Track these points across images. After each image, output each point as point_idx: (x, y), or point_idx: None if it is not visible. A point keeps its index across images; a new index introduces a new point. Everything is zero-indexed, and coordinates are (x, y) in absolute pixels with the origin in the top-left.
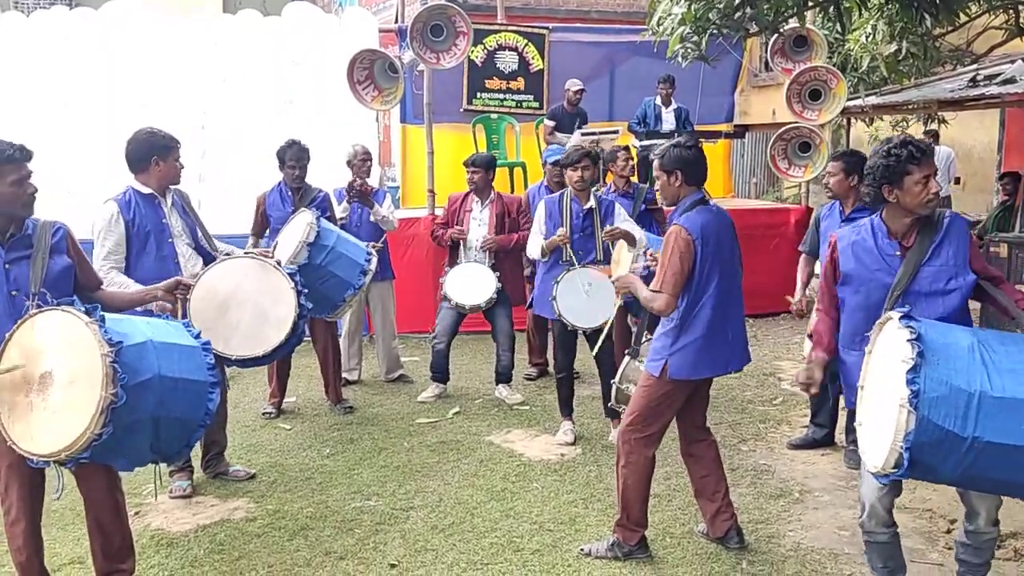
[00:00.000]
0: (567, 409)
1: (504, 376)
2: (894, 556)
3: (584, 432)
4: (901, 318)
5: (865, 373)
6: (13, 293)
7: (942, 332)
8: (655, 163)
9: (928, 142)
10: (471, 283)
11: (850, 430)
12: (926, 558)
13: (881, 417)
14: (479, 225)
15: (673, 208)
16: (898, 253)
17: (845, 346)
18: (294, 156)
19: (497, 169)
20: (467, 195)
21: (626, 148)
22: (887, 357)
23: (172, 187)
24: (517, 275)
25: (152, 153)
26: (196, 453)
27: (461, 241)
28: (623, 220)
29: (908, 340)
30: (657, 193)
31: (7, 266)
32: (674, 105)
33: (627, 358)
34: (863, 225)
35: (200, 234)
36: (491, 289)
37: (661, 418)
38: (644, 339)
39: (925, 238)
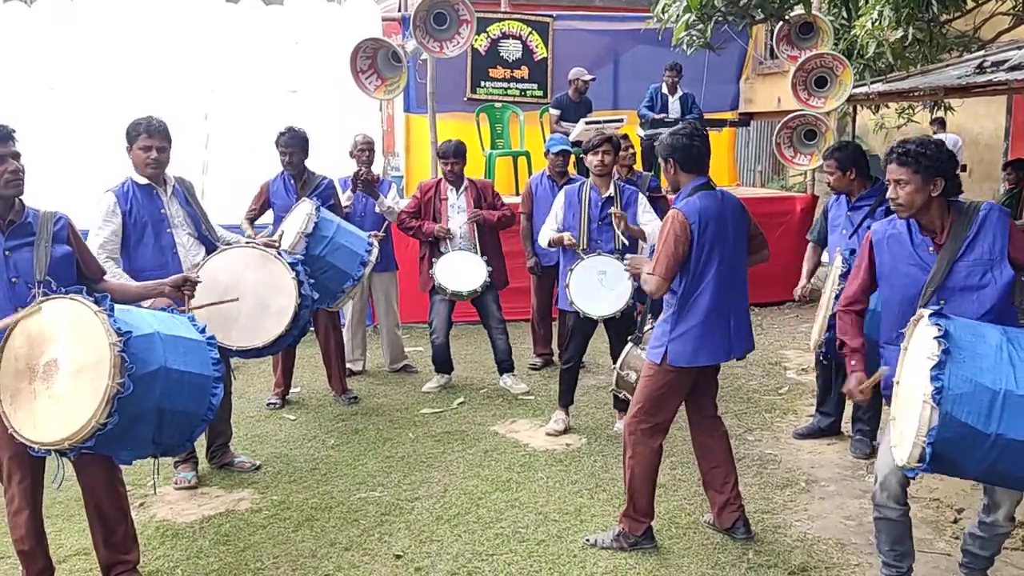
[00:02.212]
0: (566, 399)
1: (506, 364)
2: (903, 540)
3: (589, 422)
4: (931, 315)
5: (900, 369)
6: (13, 280)
7: (971, 330)
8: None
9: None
10: (462, 270)
11: (857, 419)
12: (933, 547)
13: (910, 412)
14: (458, 212)
15: (675, 194)
16: (931, 249)
17: (885, 340)
18: (284, 143)
19: (501, 158)
20: (438, 183)
21: (625, 136)
22: (919, 354)
23: (173, 176)
24: (499, 257)
25: (126, 141)
26: (201, 444)
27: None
28: (644, 210)
29: (935, 337)
30: (662, 180)
31: (7, 253)
32: (680, 92)
33: (629, 344)
34: (900, 219)
35: (203, 224)
36: (483, 273)
37: (666, 407)
38: (647, 326)
39: (959, 233)
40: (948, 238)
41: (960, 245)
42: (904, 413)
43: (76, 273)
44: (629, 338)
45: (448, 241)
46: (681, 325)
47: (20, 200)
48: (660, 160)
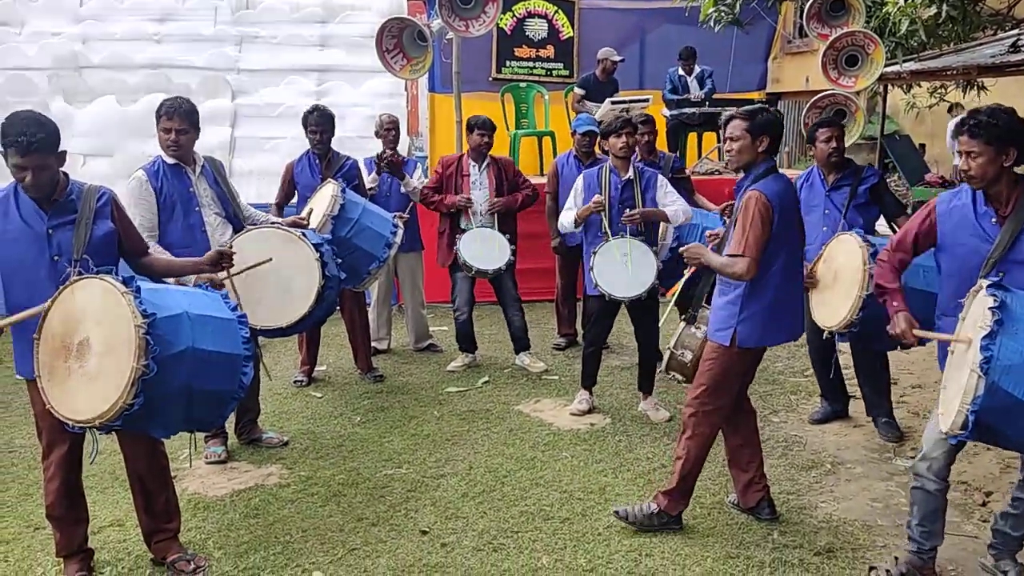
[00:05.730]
0: (589, 381)
1: (522, 343)
2: (934, 517)
3: (613, 403)
4: (989, 286)
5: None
6: (56, 258)
7: None
8: (735, 123)
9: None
10: (486, 248)
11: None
12: (961, 530)
13: (958, 380)
14: (479, 188)
15: (744, 174)
16: (994, 220)
17: (942, 312)
18: (315, 121)
19: (526, 138)
20: (460, 159)
21: (648, 118)
22: (973, 324)
23: (203, 156)
24: (515, 236)
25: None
26: (230, 420)
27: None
28: (665, 192)
29: (989, 308)
30: (726, 155)
31: (50, 231)
32: (696, 71)
33: (683, 324)
34: (965, 190)
35: (232, 204)
36: (507, 252)
37: (730, 389)
38: (701, 306)
39: None
40: (1014, 210)
41: None
42: (953, 381)
43: (119, 249)
44: (682, 318)
45: (469, 217)
46: (749, 307)
47: (65, 175)
48: (747, 133)
